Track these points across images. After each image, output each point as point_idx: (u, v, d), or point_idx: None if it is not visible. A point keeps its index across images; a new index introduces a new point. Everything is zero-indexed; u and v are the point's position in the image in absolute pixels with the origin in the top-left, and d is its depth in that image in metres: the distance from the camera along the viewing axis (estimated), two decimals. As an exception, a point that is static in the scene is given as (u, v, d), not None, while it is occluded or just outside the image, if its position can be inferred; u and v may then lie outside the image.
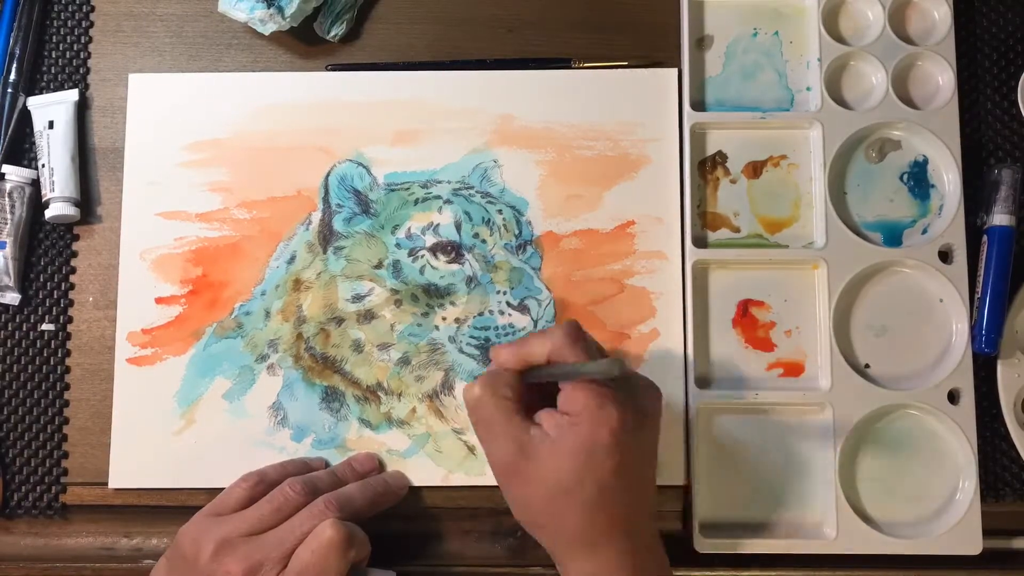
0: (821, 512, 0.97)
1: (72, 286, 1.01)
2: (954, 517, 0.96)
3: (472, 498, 0.97)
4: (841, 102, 1.02)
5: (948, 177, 1.01)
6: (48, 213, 0.99)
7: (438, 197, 1.00)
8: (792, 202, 1.01)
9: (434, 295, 0.98)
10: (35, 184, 1.01)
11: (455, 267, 0.99)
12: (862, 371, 0.98)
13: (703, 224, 1.01)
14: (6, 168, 1.00)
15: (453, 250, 0.99)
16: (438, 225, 1.00)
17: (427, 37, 1.04)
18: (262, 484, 0.92)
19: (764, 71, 1.03)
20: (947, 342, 0.99)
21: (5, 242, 0.99)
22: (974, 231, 1.00)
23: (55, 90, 1.03)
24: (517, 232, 1.00)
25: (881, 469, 0.97)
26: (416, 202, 1.00)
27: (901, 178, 1.01)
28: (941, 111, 1.01)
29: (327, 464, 0.97)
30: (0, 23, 1.03)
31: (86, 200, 1.01)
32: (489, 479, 0.95)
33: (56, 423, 0.99)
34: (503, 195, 1.01)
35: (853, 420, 0.96)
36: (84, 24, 1.05)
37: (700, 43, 1.04)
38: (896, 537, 0.95)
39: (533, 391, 0.85)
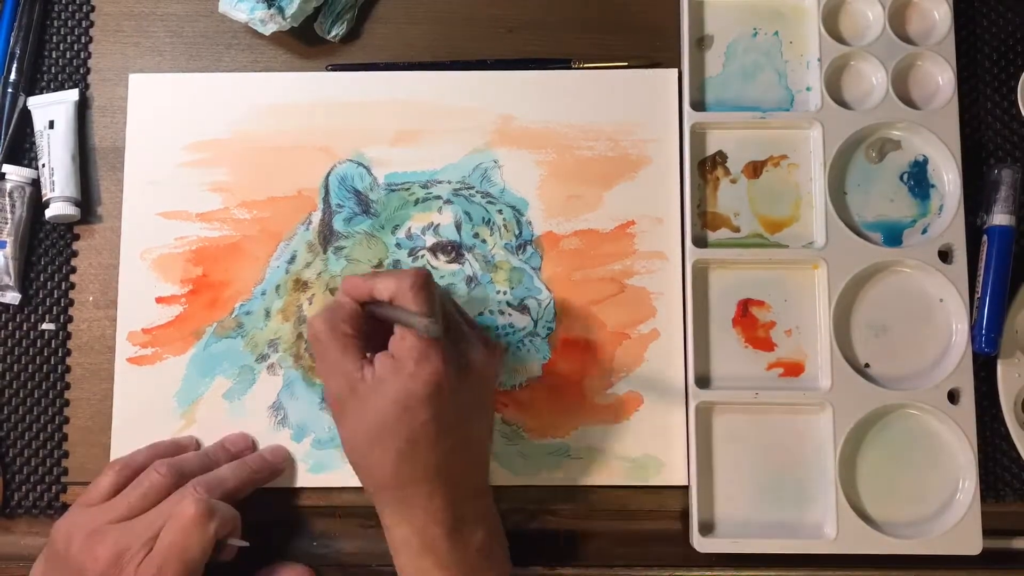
0: (821, 512, 0.97)
1: (72, 286, 1.01)
2: (954, 517, 0.95)
3: (472, 498, 0.97)
4: (841, 102, 1.01)
5: (948, 177, 1.01)
6: (48, 213, 1.00)
7: (438, 197, 1.00)
8: (792, 202, 1.01)
9: (434, 295, 0.98)
10: (35, 184, 1.01)
11: (455, 267, 0.99)
12: (862, 371, 0.98)
13: (703, 224, 1.01)
14: (6, 168, 1.00)
15: (453, 250, 0.99)
16: (438, 225, 1.00)
17: (427, 37, 1.04)
18: (128, 469, 0.91)
19: (764, 71, 1.03)
20: (947, 342, 0.99)
21: (5, 242, 0.99)
22: (974, 231, 1.00)
23: (55, 90, 1.03)
24: (517, 232, 1.00)
25: (881, 469, 0.97)
26: (416, 202, 1.00)
27: (901, 178, 1.01)
28: (941, 111, 1.01)
29: (199, 445, 0.98)
30: (0, 23, 1.03)
31: (86, 200, 1.02)
32: (490, 479, 0.96)
33: (56, 423, 0.99)
34: (503, 195, 1.01)
35: (853, 420, 0.96)
36: (84, 24, 1.05)
37: (700, 43, 1.04)
38: (896, 537, 0.95)
39: (381, 329, 0.86)
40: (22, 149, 1.03)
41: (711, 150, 1.02)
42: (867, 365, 0.99)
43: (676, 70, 1.03)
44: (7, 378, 1.00)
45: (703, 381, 0.98)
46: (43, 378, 1.00)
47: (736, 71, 1.04)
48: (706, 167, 1.02)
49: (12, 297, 1.00)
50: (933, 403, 0.96)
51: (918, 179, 1.01)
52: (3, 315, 1.00)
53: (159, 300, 0.99)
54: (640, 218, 1.00)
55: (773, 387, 0.98)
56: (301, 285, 0.99)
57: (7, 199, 0.99)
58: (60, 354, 1.00)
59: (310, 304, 0.99)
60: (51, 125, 1.01)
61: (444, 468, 0.84)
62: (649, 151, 1.01)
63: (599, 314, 0.99)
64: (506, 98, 1.02)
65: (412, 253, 0.99)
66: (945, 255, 0.99)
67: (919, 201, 1.01)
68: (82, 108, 1.03)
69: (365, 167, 1.01)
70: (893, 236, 1.00)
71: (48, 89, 1.04)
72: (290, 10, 1.00)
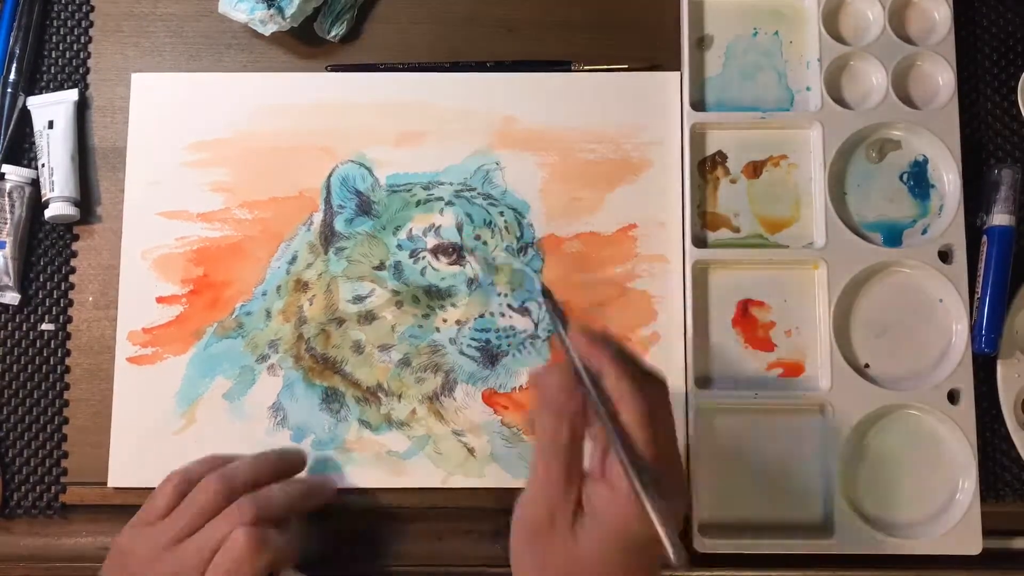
0: (821, 512, 0.97)
1: (72, 286, 1.01)
2: (954, 517, 0.96)
3: (472, 499, 0.97)
4: (841, 102, 1.02)
5: (948, 177, 1.01)
6: (48, 213, 0.99)
7: (440, 199, 1.00)
8: (792, 202, 1.01)
9: (435, 297, 0.98)
10: (35, 184, 1.01)
11: (456, 269, 0.99)
12: (862, 371, 0.98)
13: (703, 224, 1.01)
14: (6, 168, 1.00)
15: (454, 252, 0.99)
16: (439, 227, 1.00)
17: (427, 37, 1.04)
18: (185, 484, 0.89)
19: (764, 71, 1.03)
20: (947, 342, 0.99)
21: (5, 242, 0.99)
22: (974, 231, 1.00)
23: (55, 90, 1.03)
24: (518, 234, 1.00)
25: (881, 469, 0.97)
26: (418, 203, 1.00)
27: (901, 178, 1.01)
28: (941, 111, 1.01)
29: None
30: (0, 23, 1.03)
31: (86, 200, 1.01)
32: (489, 481, 0.96)
33: (56, 423, 0.99)
34: (505, 197, 1.01)
35: (853, 420, 0.96)
36: (84, 24, 1.05)
37: (700, 43, 1.04)
38: (896, 537, 0.95)
39: None
40: (22, 149, 1.03)
41: (711, 150, 1.02)
42: (867, 365, 0.99)
43: (678, 73, 1.02)
44: (7, 378, 1.00)
45: (703, 381, 0.98)
46: (43, 378, 1.00)
47: (736, 71, 1.04)
48: (706, 167, 1.02)
49: (12, 297, 1.00)
50: (933, 403, 0.96)
51: (918, 179, 1.01)
52: (3, 315, 1.00)
53: (160, 300, 0.99)
54: (642, 221, 1.00)
55: (773, 387, 0.99)
56: (302, 286, 0.99)
57: (6, 199, 0.99)
58: (60, 354, 1.00)
59: (310, 305, 0.99)
60: (51, 125, 1.01)
61: None
62: (651, 154, 1.01)
63: (600, 317, 0.99)
64: (508, 100, 1.02)
65: (413, 254, 0.99)
66: (945, 255, 0.99)
67: (919, 201, 1.01)
68: (82, 108, 1.03)
69: (367, 168, 1.01)
70: (893, 236, 1.00)
71: (48, 89, 1.04)
72: (290, 10, 1.00)
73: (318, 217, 1.00)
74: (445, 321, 0.98)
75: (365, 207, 1.00)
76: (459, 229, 1.00)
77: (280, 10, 0.99)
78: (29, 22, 1.03)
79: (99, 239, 1.01)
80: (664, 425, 0.75)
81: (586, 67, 1.03)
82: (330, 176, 1.01)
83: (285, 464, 0.94)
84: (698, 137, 1.02)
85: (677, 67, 1.03)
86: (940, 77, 1.02)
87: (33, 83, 1.04)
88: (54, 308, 1.00)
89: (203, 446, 0.97)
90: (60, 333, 1.00)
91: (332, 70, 1.04)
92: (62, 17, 1.05)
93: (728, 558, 0.96)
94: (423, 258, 0.99)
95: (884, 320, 0.99)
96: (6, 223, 0.99)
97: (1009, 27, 1.05)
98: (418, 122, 1.02)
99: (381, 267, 0.99)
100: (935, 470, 0.97)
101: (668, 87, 1.03)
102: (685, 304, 0.99)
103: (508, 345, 0.98)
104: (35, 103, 1.02)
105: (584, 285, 1.00)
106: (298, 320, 0.99)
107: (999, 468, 0.99)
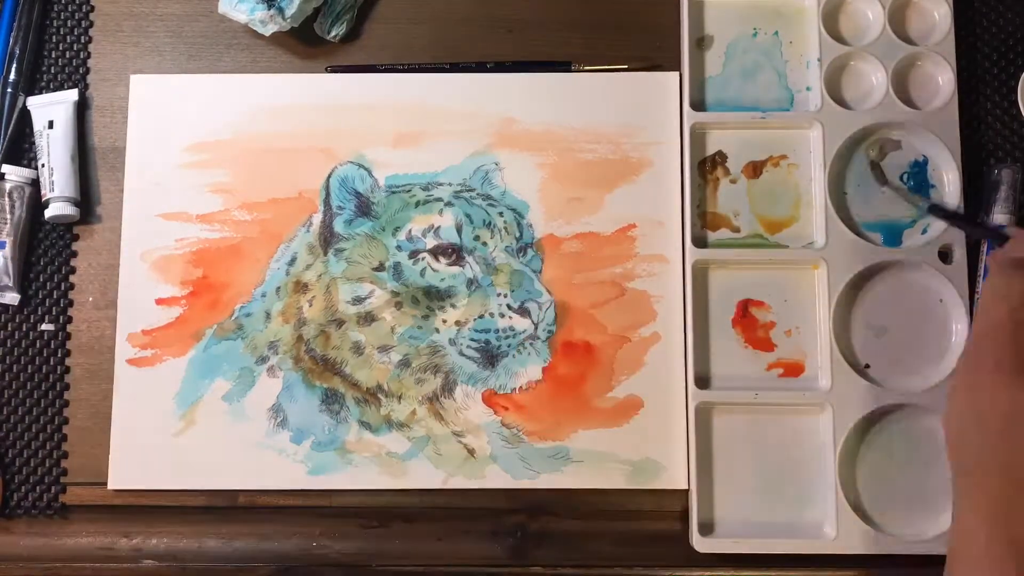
0: (821, 512, 0.97)
1: (72, 286, 1.01)
2: (954, 517, 0.96)
3: (472, 499, 0.97)
4: (841, 102, 1.02)
5: (948, 177, 1.01)
6: (48, 213, 1.00)
7: (439, 199, 1.00)
8: (792, 202, 1.01)
9: (435, 297, 0.98)
10: (35, 184, 1.01)
11: (456, 269, 0.99)
12: (862, 371, 0.98)
13: (703, 224, 1.01)
14: (6, 168, 1.00)
15: (454, 252, 0.99)
16: (439, 227, 1.00)
17: (427, 37, 1.04)
18: None
19: (764, 71, 1.03)
20: (947, 342, 0.99)
21: (5, 242, 0.99)
22: (974, 231, 1.00)
23: (55, 90, 1.03)
24: (518, 235, 1.00)
25: (881, 469, 0.97)
26: (417, 204, 1.00)
27: (901, 178, 1.01)
28: (941, 111, 1.01)
29: None
30: (0, 23, 1.03)
31: (86, 200, 1.02)
32: (489, 482, 0.96)
33: (56, 423, 0.99)
34: (504, 198, 1.01)
35: (853, 420, 0.96)
36: (84, 24, 1.05)
37: (700, 43, 1.04)
38: (896, 537, 0.95)
39: None
40: (22, 149, 1.03)
41: (711, 150, 1.02)
42: (867, 366, 0.99)
43: (677, 73, 1.03)
44: (7, 378, 1.00)
45: (703, 381, 0.98)
46: (43, 378, 1.00)
47: (736, 71, 1.04)
48: (706, 167, 1.02)
49: (11, 297, 1.00)
50: (933, 403, 0.96)
51: (918, 179, 1.01)
52: (3, 315, 1.01)
53: (159, 302, 1.00)
54: (641, 221, 1.00)
55: (773, 387, 0.98)
56: (301, 287, 0.99)
57: (6, 199, 0.99)
58: (60, 354, 1.00)
59: (310, 306, 0.99)
60: (51, 125, 1.01)
61: None
62: (650, 154, 1.01)
63: (600, 317, 0.99)
64: (507, 101, 1.02)
65: (413, 255, 0.99)
66: (945, 255, 0.99)
67: (919, 201, 1.01)
68: (81, 108, 1.03)
69: (366, 169, 1.01)
70: (893, 236, 1.00)
71: (48, 89, 1.04)
72: (290, 11, 1.00)
73: (317, 218, 1.00)
74: (445, 322, 0.98)
75: (364, 208, 1.00)
76: (458, 230, 1.00)
77: (280, 10, 1.00)
78: (29, 22, 1.03)
79: (99, 239, 1.01)
80: None
81: (586, 67, 1.03)
82: (329, 177, 1.01)
83: None
84: (698, 137, 1.02)
85: (677, 67, 1.03)
86: (940, 77, 1.02)
87: (33, 83, 1.04)
88: (54, 308, 1.01)
89: (203, 448, 0.97)
90: (60, 333, 1.00)
91: (332, 71, 1.04)
92: (62, 17, 1.05)
93: (728, 558, 0.96)
94: (423, 259, 0.99)
95: (884, 320, 0.99)
96: (6, 223, 0.99)
97: (1009, 27, 1.05)
98: (417, 123, 1.02)
99: (380, 268, 0.99)
100: (935, 470, 0.97)
101: (668, 87, 1.03)
102: (685, 304, 0.99)
103: (508, 346, 0.98)
104: (35, 103, 1.02)
105: (584, 285, 1.00)
106: (298, 321, 0.99)
107: (999, 468, 0.99)
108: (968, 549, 0.76)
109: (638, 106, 1.02)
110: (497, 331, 0.98)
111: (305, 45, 1.04)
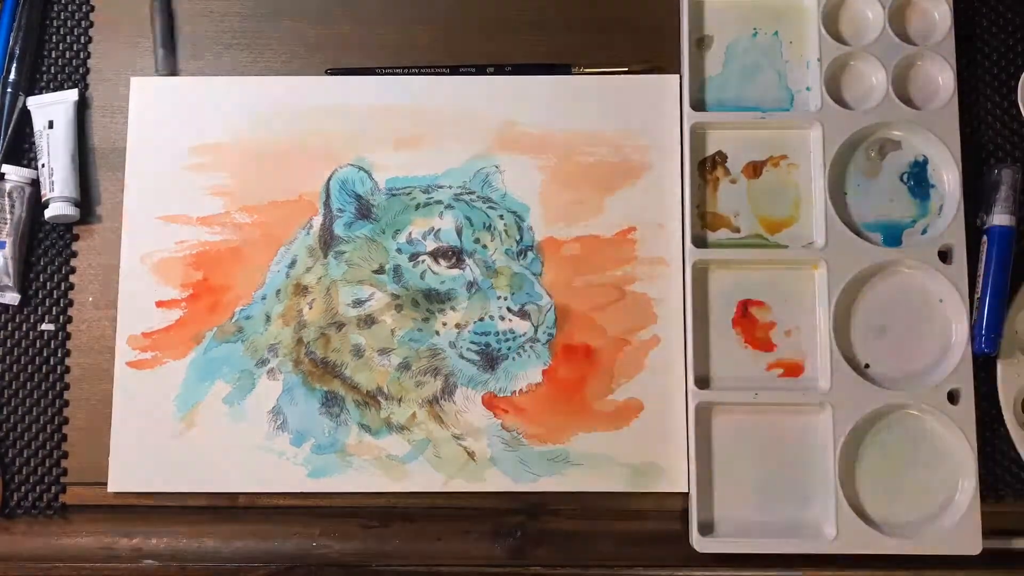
0: (821, 512, 0.97)
1: (72, 286, 1.01)
2: (954, 517, 0.96)
3: (472, 500, 0.98)
4: (841, 102, 1.01)
5: (948, 177, 1.01)
6: (48, 213, 1.00)
7: (439, 202, 1.00)
8: (792, 202, 1.01)
9: (435, 300, 0.98)
10: (35, 184, 1.01)
11: (456, 272, 0.99)
12: (862, 371, 0.98)
13: (703, 224, 1.01)
14: (6, 168, 1.00)
15: (454, 255, 0.99)
16: (439, 230, 1.00)
17: (427, 38, 1.04)
18: None
19: (764, 71, 1.03)
20: (947, 342, 0.99)
21: (5, 242, 0.99)
22: (974, 231, 1.00)
23: (55, 90, 1.03)
24: (518, 237, 1.00)
25: (881, 469, 0.97)
26: (417, 207, 1.00)
27: (901, 178, 1.01)
28: (941, 111, 1.01)
29: None
30: (0, 23, 1.03)
31: (86, 200, 1.02)
32: (489, 485, 0.96)
33: (56, 423, 0.99)
34: (504, 200, 1.01)
35: (853, 420, 0.96)
36: (84, 24, 1.05)
37: (700, 43, 1.04)
38: (896, 537, 0.95)
39: None
40: (22, 149, 1.03)
41: (711, 150, 1.02)
42: (867, 365, 0.99)
43: (677, 75, 1.02)
44: (7, 378, 1.00)
45: (703, 381, 0.98)
46: (42, 378, 1.00)
47: (736, 71, 1.03)
48: (706, 167, 1.02)
49: (11, 297, 1.00)
50: (933, 403, 0.97)
51: (918, 179, 1.01)
52: (3, 315, 1.01)
53: (159, 304, 1.00)
54: (641, 224, 1.00)
55: (773, 387, 0.99)
56: (301, 290, 0.99)
57: (6, 199, 0.99)
58: (59, 354, 1.00)
59: (310, 309, 0.99)
60: (51, 125, 1.01)
61: None
62: (651, 157, 1.01)
63: (600, 320, 0.99)
64: (508, 103, 1.02)
65: (413, 258, 0.99)
66: (945, 255, 0.99)
67: (919, 201, 1.01)
68: (82, 108, 1.03)
69: (366, 171, 1.01)
70: (893, 236, 1.00)
71: (48, 89, 1.04)
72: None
73: (318, 221, 1.00)
74: (445, 325, 0.98)
75: (364, 211, 1.00)
76: (459, 232, 0.99)
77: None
78: (29, 22, 1.03)
79: (99, 239, 1.02)
80: None
81: (586, 70, 1.03)
82: (329, 180, 1.01)
83: None
84: (698, 137, 1.02)
85: (677, 69, 1.03)
86: (940, 77, 1.02)
87: (33, 83, 1.04)
88: (54, 308, 1.01)
89: (203, 450, 0.97)
90: (60, 333, 1.00)
91: (331, 73, 1.03)
92: (62, 17, 1.05)
93: (728, 558, 0.96)
94: (423, 261, 0.99)
95: (884, 320, 0.99)
96: (6, 223, 0.99)
97: (1009, 27, 1.05)
98: (417, 125, 1.02)
99: (381, 271, 0.99)
100: (935, 470, 0.97)
101: (667, 90, 1.03)
102: (685, 304, 0.99)
103: (508, 348, 0.98)
104: (35, 103, 1.02)
105: (584, 288, 1.00)
106: (298, 324, 0.99)
107: (999, 468, 0.99)
108: None
109: (638, 109, 1.02)
110: (497, 334, 0.98)
111: (305, 46, 1.04)
